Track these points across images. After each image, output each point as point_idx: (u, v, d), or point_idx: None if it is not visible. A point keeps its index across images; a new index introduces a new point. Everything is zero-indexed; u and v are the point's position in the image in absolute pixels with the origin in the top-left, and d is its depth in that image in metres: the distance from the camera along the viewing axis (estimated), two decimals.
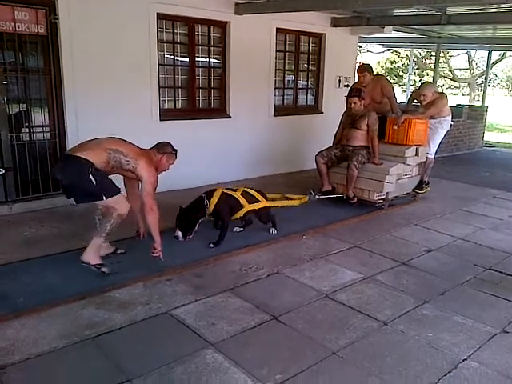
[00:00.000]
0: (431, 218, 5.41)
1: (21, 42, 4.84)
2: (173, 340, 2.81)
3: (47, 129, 5.18)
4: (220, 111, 6.67)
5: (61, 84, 5.06)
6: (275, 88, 7.27)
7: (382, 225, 5.14)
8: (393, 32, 8.51)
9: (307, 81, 7.93)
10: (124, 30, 5.39)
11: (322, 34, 7.68)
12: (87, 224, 4.67)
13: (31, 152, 5.05)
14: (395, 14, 7.45)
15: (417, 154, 5.77)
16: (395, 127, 5.71)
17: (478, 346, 2.84)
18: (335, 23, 7.69)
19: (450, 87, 29.75)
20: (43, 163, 5.13)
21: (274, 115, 7.25)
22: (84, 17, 5.05)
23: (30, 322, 2.91)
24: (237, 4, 6.30)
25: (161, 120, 5.93)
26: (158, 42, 5.75)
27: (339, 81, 7.99)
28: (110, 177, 3.58)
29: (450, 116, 6.15)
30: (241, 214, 4.39)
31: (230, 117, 6.69)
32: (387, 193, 5.51)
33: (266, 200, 4.61)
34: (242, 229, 4.69)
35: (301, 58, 7.65)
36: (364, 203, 5.56)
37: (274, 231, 4.66)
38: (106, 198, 3.45)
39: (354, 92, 5.59)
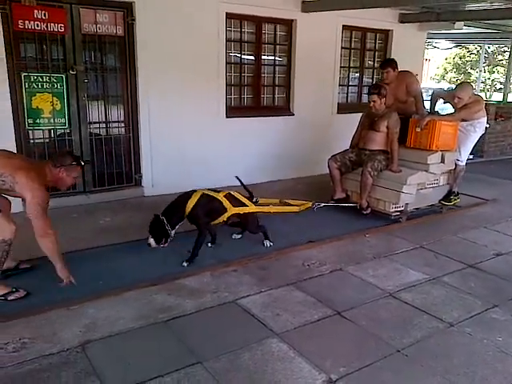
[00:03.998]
0: (501, 221, 5.20)
1: (101, 42, 5.17)
2: (239, 328, 2.93)
3: (122, 124, 5.51)
4: (284, 108, 6.76)
5: (135, 82, 5.36)
6: (339, 85, 7.25)
7: (449, 226, 5.01)
8: (464, 27, 8.20)
9: (372, 78, 7.82)
10: (195, 30, 5.60)
11: (389, 30, 7.56)
12: None
13: (107, 146, 5.39)
14: (467, 9, 7.19)
15: (442, 161, 5.07)
16: (418, 130, 5.05)
17: None
18: (403, 19, 7.53)
19: None
20: (118, 157, 5.48)
21: (338, 112, 7.23)
22: (158, 18, 5.30)
23: (109, 303, 3.14)
24: (304, 2, 6.35)
25: (227, 117, 6.11)
26: (226, 40, 5.92)
27: None
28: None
29: (486, 118, 5.44)
30: (224, 218, 3.98)
31: (293, 114, 6.76)
32: (406, 204, 4.94)
33: (255, 206, 4.19)
34: (240, 236, 4.38)
35: (366, 54, 7.58)
36: (378, 215, 5.04)
37: (268, 244, 4.21)
38: None
39: (373, 89, 5.03)
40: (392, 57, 7.60)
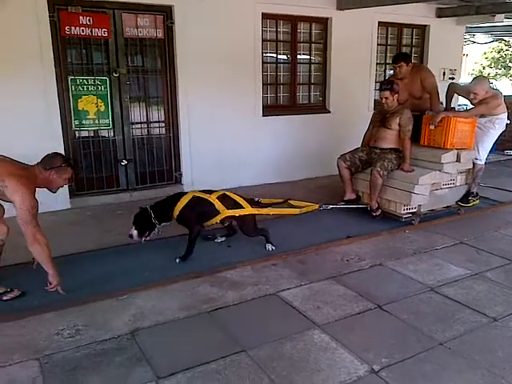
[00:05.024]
0: None
1: (142, 45, 5.36)
2: (281, 319, 3.00)
3: (162, 124, 5.68)
4: (320, 106, 6.80)
5: (175, 83, 5.52)
6: (375, 82, 7.21)
7: (491, 222, 4.92)
8: (504, 20, 8.00)
9: None
10: (231, 31, 5.72)
11: (426, 25, 7.47)
12: None
13: (148, 145, 5.58)
14: (508, 0, 7.00)
15: (458, 160, 4.81)
16: (432, 127, 4.80)
17: None
18: (440, 14, 7.43)
19: None
20: (159, 155, 5.66)
21: (374, 109, 7.17)
22: (196, 20, 5.44)
23: (155, 294, 3.28)
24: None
25: (263, 116, 6.20)
26: (262, 40, 6.00)
27: (444, 73, 7.69)
28: None
29: (506, 114, 5.05)
30: (217, 220, 3.92)
31: (329, 112, 6.78)
32: (419, 205, 4.73)
33: (252, 207, 4.02)
34: (223, 238, 4.29)
35: (403, 50, 7.48)
36: (390, 216, 4.81)
37: (270, 247, 4.07)
38: None
39: (385, 85, 4.77)
40: (430, 52, 7.54)
